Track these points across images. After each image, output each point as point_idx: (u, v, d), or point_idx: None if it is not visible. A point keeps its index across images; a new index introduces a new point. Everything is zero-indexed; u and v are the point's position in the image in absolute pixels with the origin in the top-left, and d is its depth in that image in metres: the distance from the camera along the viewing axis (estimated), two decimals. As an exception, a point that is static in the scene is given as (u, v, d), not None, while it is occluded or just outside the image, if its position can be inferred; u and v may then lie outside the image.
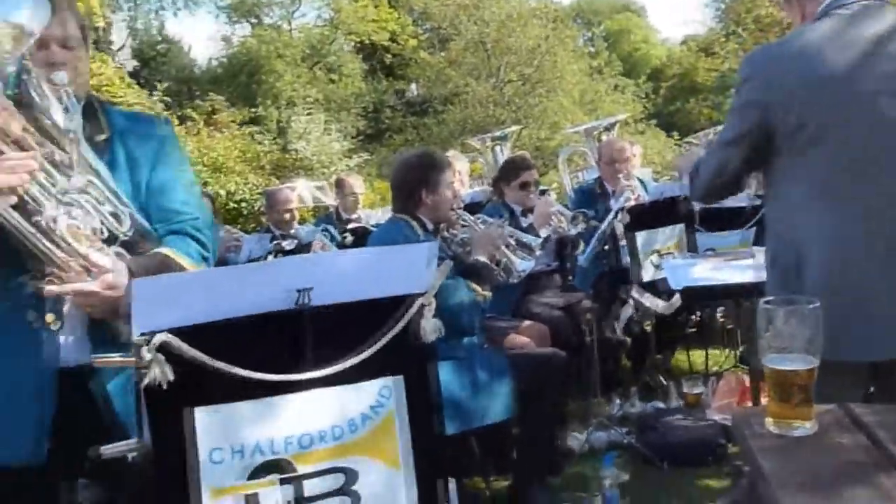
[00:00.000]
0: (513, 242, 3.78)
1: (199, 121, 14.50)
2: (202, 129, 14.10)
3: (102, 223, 1.74)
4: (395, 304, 1.53)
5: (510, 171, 4.77)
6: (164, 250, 1.88)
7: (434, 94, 30.61)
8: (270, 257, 4.37)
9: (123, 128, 2.00)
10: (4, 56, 1.51)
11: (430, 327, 1.55)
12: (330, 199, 6.91)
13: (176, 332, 1.35)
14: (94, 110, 1.97)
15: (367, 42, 34.30)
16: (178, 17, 35.87)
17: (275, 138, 18.19)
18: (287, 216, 5.19)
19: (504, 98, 28.40)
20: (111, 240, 1.78)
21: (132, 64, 30.42)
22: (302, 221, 6.26)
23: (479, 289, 3.32)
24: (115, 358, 1.51)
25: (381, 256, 1.56)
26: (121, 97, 12.91)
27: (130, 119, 2.07)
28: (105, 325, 1.81)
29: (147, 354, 1.33)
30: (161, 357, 1.34)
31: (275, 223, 5.24)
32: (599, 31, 39.29)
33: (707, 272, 3.40)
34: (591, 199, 5.11)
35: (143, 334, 1.34)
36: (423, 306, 1.55)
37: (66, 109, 1.69)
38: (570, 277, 4.69)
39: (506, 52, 28.47)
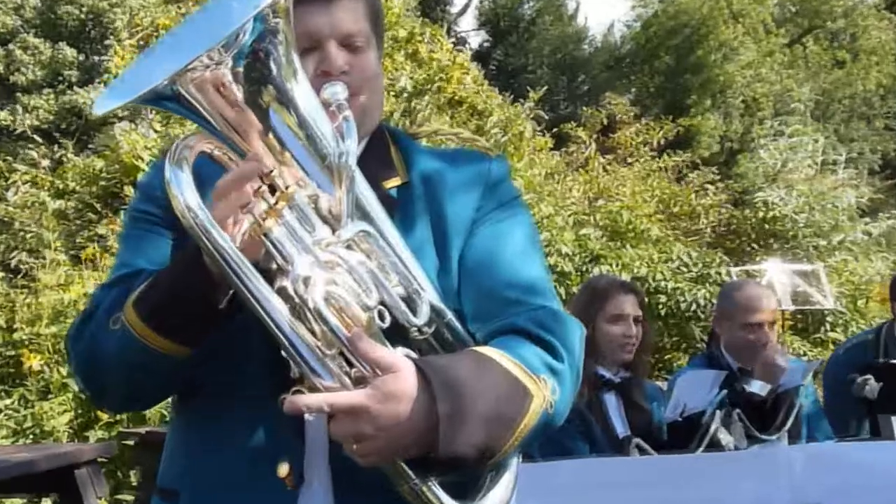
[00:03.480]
0: None
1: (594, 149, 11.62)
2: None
3: (383, 304, 1.43)
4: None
5: None
6: (482, 349, 1.56)
7: None
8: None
9: (430, 171, 1.79)
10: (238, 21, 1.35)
11: None
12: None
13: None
14: (384, 144, 1.82)
15: None
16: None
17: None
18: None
19: None
20: (396, 333, 1.47)
21: (479, 40, 22.90)
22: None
23: None
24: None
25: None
26: (466, 103, 10.42)
27: (443, 159, 1.84)
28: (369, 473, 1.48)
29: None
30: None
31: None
32: None
33: None
34: None
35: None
36: None
37: (339, 135, 1.48)
38: None
39: None
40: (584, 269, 8.40)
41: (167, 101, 1.41)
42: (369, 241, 1.49)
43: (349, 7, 1.71)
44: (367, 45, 1.76)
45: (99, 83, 12.47)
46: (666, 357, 8.77)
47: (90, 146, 12.02)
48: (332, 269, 1.43)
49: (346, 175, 1.47)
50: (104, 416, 6.23)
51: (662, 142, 13.39)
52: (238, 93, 1.41)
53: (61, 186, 9.15)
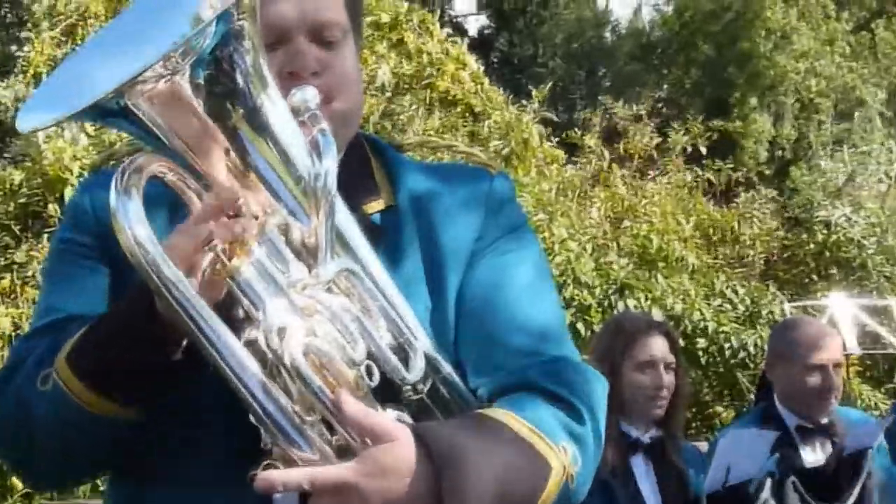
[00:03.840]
0: None
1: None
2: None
3: (371, 357, 1.44)
4: None
5: None
6: (490, 411, 1.57)
7: None
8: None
9: (421, 191, 1.79)
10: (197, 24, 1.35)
11: None
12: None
13: None
14: (364, 159, 1.82)
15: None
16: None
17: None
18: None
19: None
20: (385, 392, 1.48)
21: (478, 25, 22.88)
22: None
23: None
24: None
25: None
26: (462, 103, 10.44)
27: (436, 176, 1.85)
28: None
29: None
30: None
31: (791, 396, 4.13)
32: None
33: None
34: None
35: None
36: None
37: (315, 152, 1.48)
38: None
39: None
40: (606, 302, 8.28)
41: (111, 117, 1.41)
42: (352, 281, 1.48)
43: None
44: (344, 39, 1.75)
45: (16, 79, 12.39)
46: (706, 412, 8.65)
47: (6, 154, 11.95)
48: (311, 316, 1.42)
49: (326, 200, 1.45)
50: (21, 485, 6.11)
51: (689, 149, 12.99)
52: (197, 107, 1.40)
53: (-31, 205, 8.94)
